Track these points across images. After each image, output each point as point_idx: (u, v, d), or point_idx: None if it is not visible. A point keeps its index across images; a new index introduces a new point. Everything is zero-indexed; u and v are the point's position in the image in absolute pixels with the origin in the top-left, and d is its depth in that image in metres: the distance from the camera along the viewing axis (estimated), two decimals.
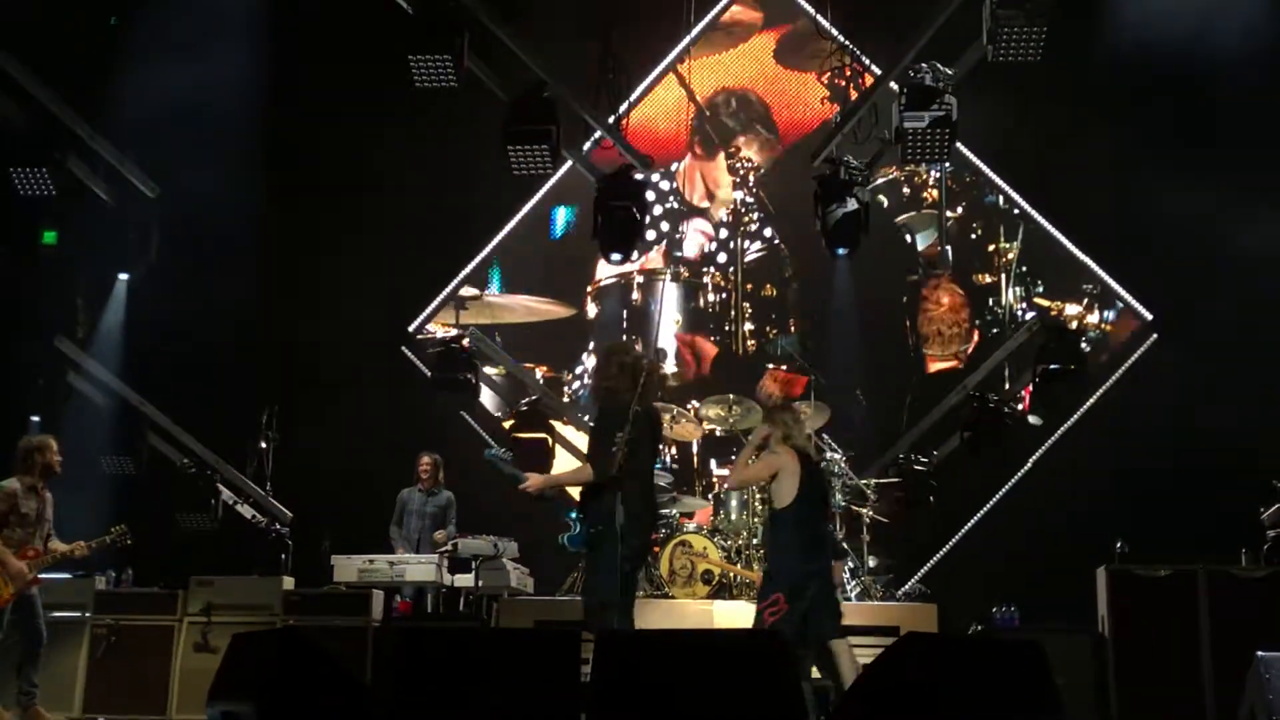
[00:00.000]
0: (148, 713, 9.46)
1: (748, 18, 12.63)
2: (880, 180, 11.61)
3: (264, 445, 11.04)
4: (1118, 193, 12.43)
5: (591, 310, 12.12)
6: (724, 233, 10.75)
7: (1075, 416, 12.81)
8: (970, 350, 10.94)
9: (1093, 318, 11.34)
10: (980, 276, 11.77)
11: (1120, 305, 11.65)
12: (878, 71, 10.81)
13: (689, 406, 11.67)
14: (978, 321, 11.30)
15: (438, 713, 5.60)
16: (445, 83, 10.14)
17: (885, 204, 11.52)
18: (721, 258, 10.75)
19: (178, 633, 9.74)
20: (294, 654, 5.69)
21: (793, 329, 10.89)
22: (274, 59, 12.34)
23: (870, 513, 11.11)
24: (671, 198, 11.46)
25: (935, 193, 11.45)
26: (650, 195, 11.27)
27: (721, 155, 11.60)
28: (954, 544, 13.01)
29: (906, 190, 11.74)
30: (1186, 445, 11.75)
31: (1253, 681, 6.88)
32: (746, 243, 10.71)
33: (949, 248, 11.92)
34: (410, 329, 13.90)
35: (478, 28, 10.47)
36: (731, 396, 11.57)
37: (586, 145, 11.81)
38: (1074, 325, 11.26)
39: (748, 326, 10.49)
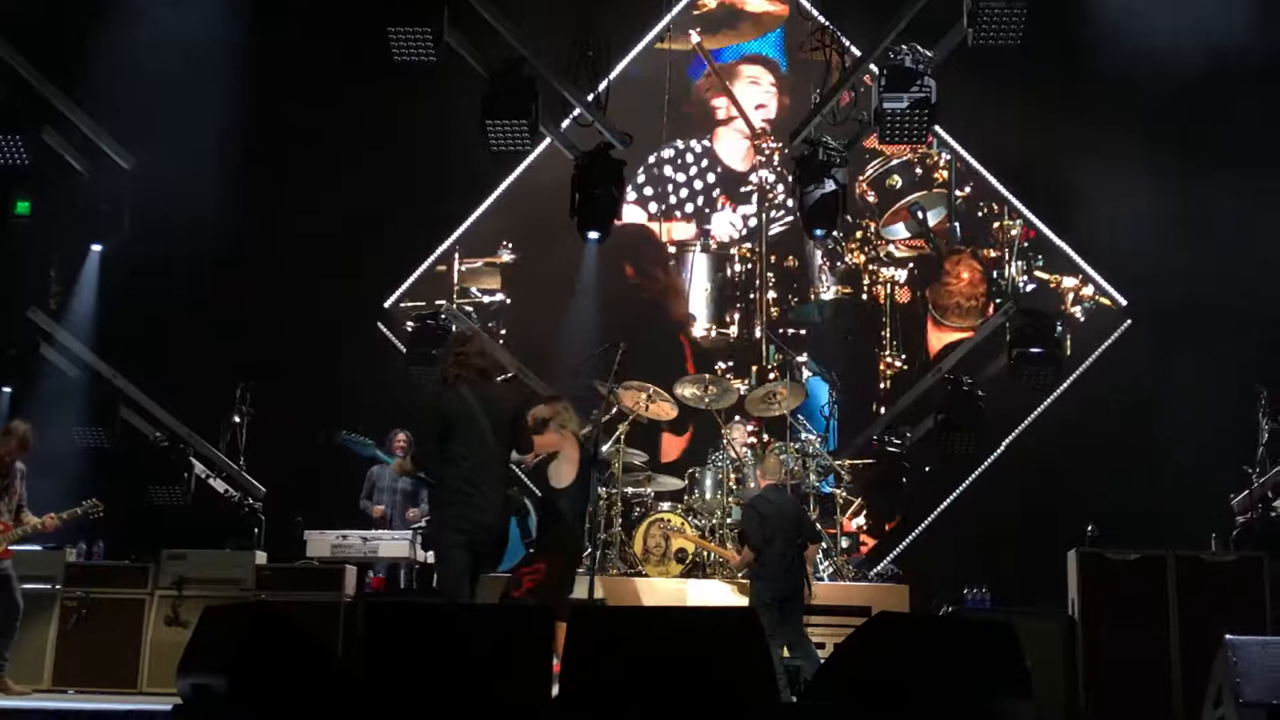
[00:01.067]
0: (118, 686, 9.41)
1: (775, 9, 12.78)
2: (895, 161, 12.14)
3: (238, 419, 10.99)
4: (1096, 179, 12.46)
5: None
6: (752, 206, 11.43)
7: (1049, 400, 12.87)
8: (983, 322, 11.62)
9: (1087, 289, 11.96)
10: (985, 251, 12.40)
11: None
12: (858, 53, 10.80)
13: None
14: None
15: (410, 688, 5.60)
16: (424, 57, 10.08)
17: (899, 184, 12.01)
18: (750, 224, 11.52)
19: (149, 606, 9.70)
20: (265, 628, 5.67)
21: (812, 297, 11.54)
22: (253, 32, 12.24)
23: (844, 494, 11.15)
24: (706, 160, 11.96)
25: (945, 173, 11.97)
26: (690, 157, 11.73)
27: (748, 129, 12.11)
28: (927, 525, 13.07)
29: (919, 171, 12.30)
30: (1159, 431, 11.82)
31: (1220, 665, 6.93)
32: (771, 214, 11.39)
33: (958, 224, 12.48)
34: (386, 305, 13.86)
35: (458, 1, 10.40)
36: (707, 376, 11.58)
37: (565, 122, 11.77)
38: (1070, 297, 11.85)
39: (771, 295, 11.23)
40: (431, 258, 13.98)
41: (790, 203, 11.29)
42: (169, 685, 7.07)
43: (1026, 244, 11.91)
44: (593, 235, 11.18)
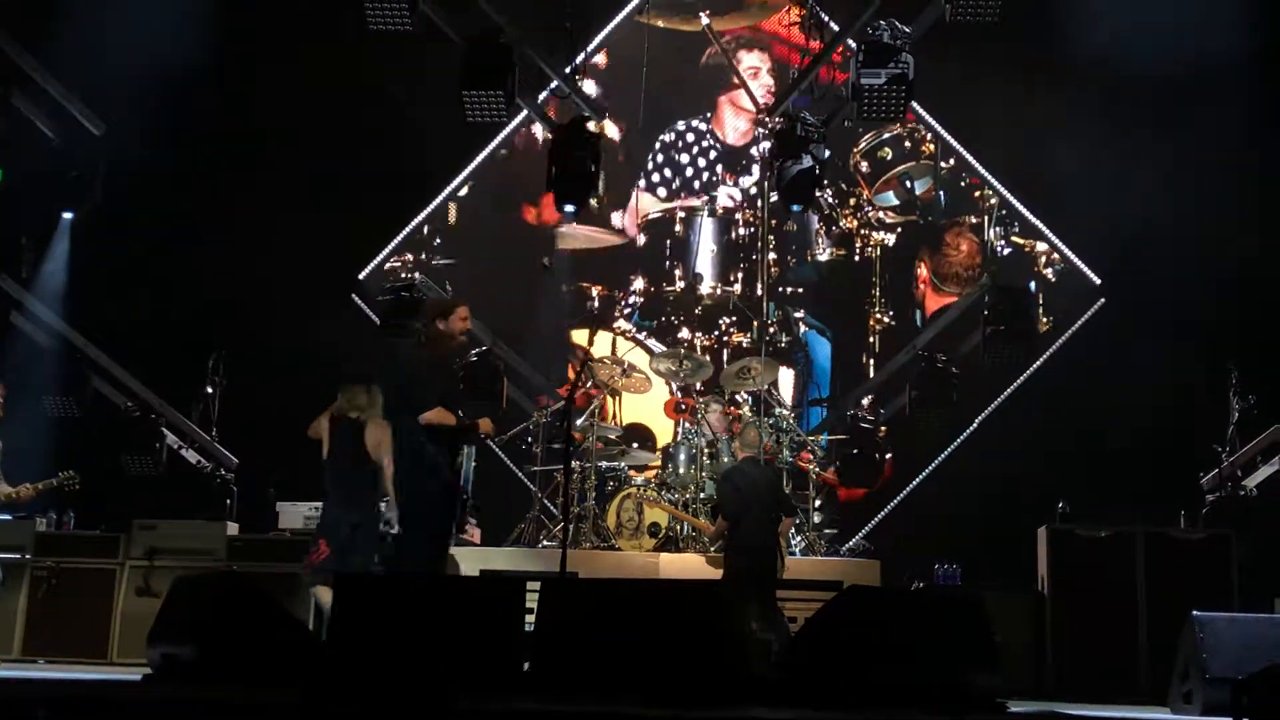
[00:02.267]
0: (89, 656, 9.38)
1: None
2: (886, 135, 12.82)
3: (210, 390, 10.92)
4: (1073, 161, 12.48)
5: (641, 240, 13.32)
6: (752, 175, 12.35)
7: (1022, 378, 12.93)
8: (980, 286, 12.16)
9: (1059, 253, 12.61)
10: (966, 218, 13.12)
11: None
12: (836, 28, 10.80)
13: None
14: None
15: (382, 659, 5.60)
16: (400, 26, 10.01)
17: (889, 156, 12.71)
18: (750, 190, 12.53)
19: (119, 576, 9.66)
20: (235, 597, 5.67)
21: (809, 259, 12.46)
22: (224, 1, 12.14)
23: (816, 469, 11.18)
24: (709, 137, 12.86)
25: (932, 146, 12.64)
26: (691, 139, 12.74)
27: (753, 106, 12.75)
28: (899, 501, 13.13)
29: (908, 144, 12.92)
30: (1131, 409, 11.88)
31: (1187, 641, 7.00)
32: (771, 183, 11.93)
33: (942, 193, 13.16)
34: (361, 276, 13.79)
35: None
36: (682, 351, 11.59)
37: (542, 95, 11.71)
38: (1043, 260, 12.54)
39: (771, 256, 12.06)
40: (407, 229, 13.93)
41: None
42: (140, 655, 7.05)
43: (1004, 211, 12.59)
44: (569, 209, 11.19)
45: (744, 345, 12.04)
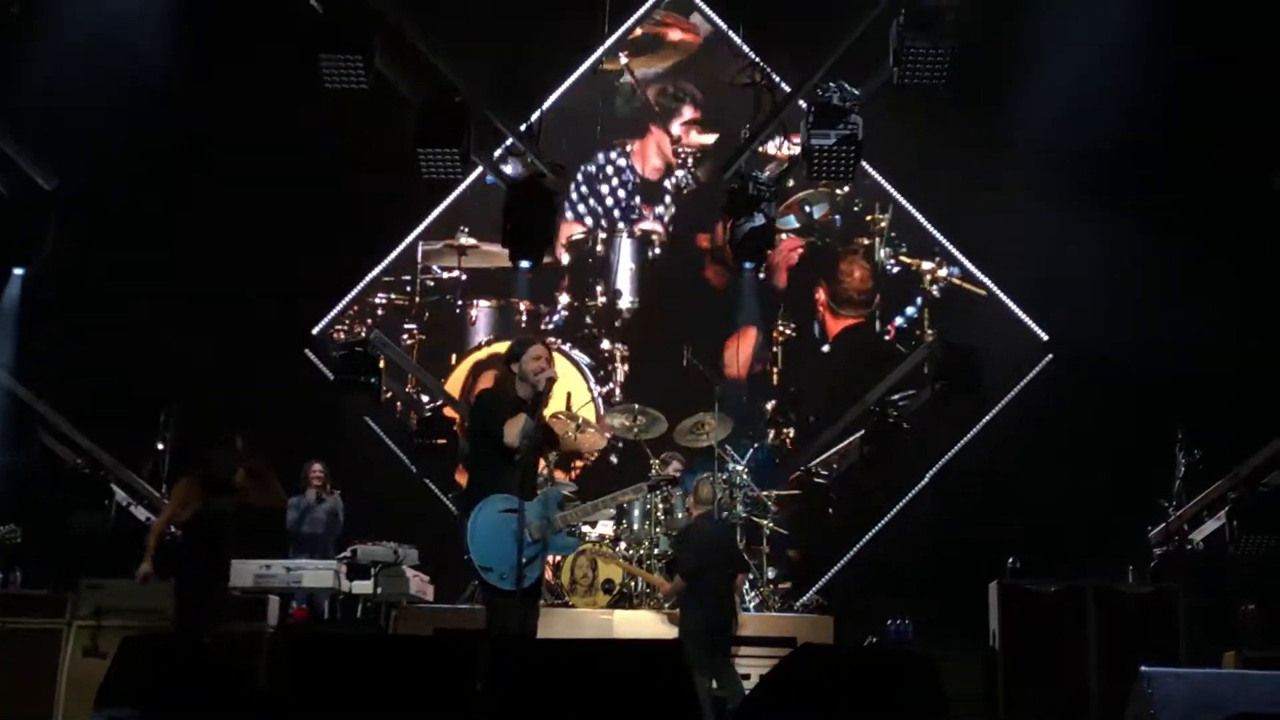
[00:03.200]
0: (34, 718, 9.21)
1: (689, 39, 14.04)
2: (789, 165, 13.16)
3: (160, 446, 10.84)
4: (1018, 217, 12.68)
5: (565, 258, 13.85)
6: (668, 199, 13.37)
7: (971, 433, 13.07)
8: (875, 307, 13.30)
9: (942, 271, 13.25)
10: (859, 239, 13.83)
11: (959, 269, 13.42)
12: (787, 89, 10.97)
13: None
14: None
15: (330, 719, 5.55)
16: (355, 84, 10.07)
17: (791, 183, 13.27)
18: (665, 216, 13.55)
19: (66, 636, 9.49)
20: (184, 660, 5.61)
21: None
22: (180, 53, 12.13)
23: (770, 524, 11.21)
24: (628, 172, 13.67)
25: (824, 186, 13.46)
26: (610, 171, 13.59)
27: (668, 140, 13.75)
28: (851, 556, 13.18)
29: (805, 171, 13.01)
30: (1078, 464, 12.03)
31: (1137, 695, 7.05)
32: (684, 210, 13.32)
33: (838, 216, 13.95)
34: (314, 331, 13.77)
35: (390, 30, 10.40)
36: (636, 406, 11.62)
37: (498, 151, 11.80)
38: (928, 278, 13.29)
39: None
40: (359, 286, 13.94)
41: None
42: (86, 717, 6.94)
43: (894, 234, 13.33)
44: (524, 264, 11.28)
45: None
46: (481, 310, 13.00)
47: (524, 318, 12.98)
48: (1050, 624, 9.17)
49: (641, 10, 14.20)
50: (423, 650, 6.37)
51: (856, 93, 9.93)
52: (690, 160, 13.40)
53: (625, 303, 12.88)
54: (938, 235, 13.66)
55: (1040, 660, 9.07)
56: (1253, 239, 11.40)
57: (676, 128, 13.95)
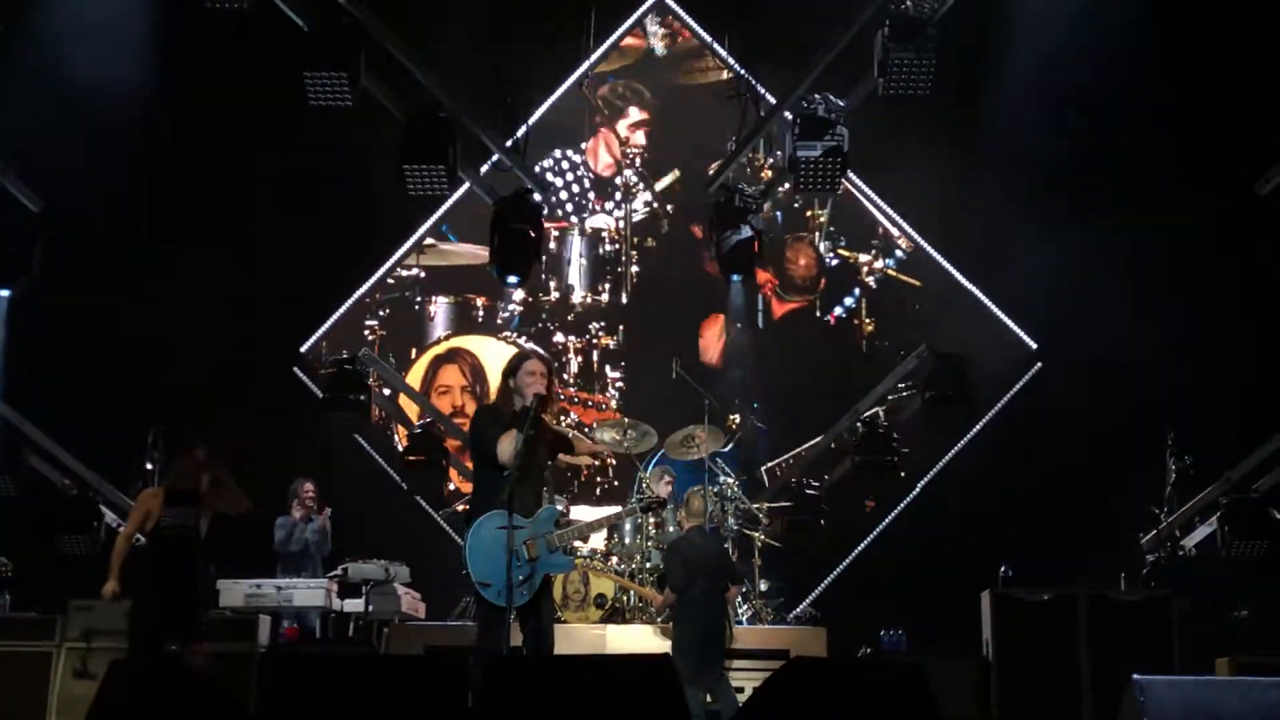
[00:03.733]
0: None
1: (637, 43, 14.34)
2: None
3: (150, 466, 10.79)
4: (1004, 223, 12.72)
5: None
6: (617, 196, 13.74)
7: (962, 443, 13.08)
8: (820, 290, 13.71)
9: (878, 264, 13.60)
10: (801, 234, 14.16)
11: (903, 255, 13.70)
12: (772, 100, 10.98)
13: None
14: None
15: None
16: (340, 101, 10.05)
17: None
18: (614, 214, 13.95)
19: (56, 659, 9.46)
20: (173, 682, 5.59)
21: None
22: (163, 73, 12.13)
23: (762, 536, 11.20)
24: (581, 168, 13.90)
25: (769, 172, 13.40)
26: (565, 165, 13.87)
27: (615, 140, 14.02)
28: (844, 567, 13.18)
29: (749, 170, 13.61)
30: (1069, 472, 12.04)
31: (1128, 704, 7.04)
32: (633, 206, 13.59)
33: (779, 213, 14.07)
34: (303, 349, 13.75)
35: (374, 46, 10.39)
36: (626, 420, 11.62)
37: (484, 167, 11.80)
38: (864, 270, 13.65)
39: (634, 269, 13.47)
40: (348, 303, 13.92)
41: (648, 196, 13.66)
42: None
43: (833, 228, 13.71)
44: (512, 279, 11.28)
45: (610, 347, 13.35)
46: (440, 306, 13.35)
47: (480, 313, 13.33)
48: (1043, 632, 9.17)
49: (627, 24, 14.26)
50: (415, 668, 6.36)
51: (842, 104, 9.94)
52: (638, 160, 13.76)
53: (577, 297, 13.35)
54: (925, 244, 13.70)
55: (1033, 668, 9.06)
56: (1242, 243, 11.44)
57: (623, 128, 14.24)
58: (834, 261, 13.61)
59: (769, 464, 13.16)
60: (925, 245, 13.71)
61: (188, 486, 8.91)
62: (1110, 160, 12.33)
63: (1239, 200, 10.94)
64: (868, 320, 13.38)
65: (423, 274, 13.54)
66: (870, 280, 13.53)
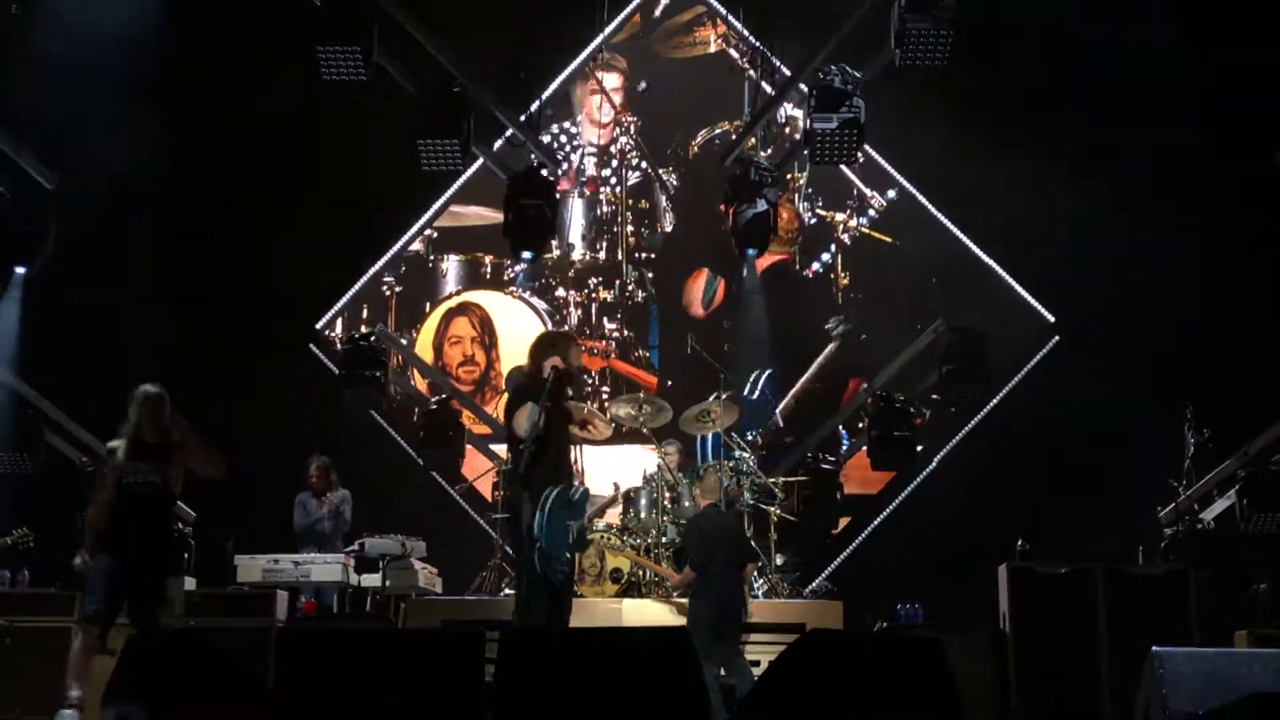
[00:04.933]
0: (43, 716, 9.20)
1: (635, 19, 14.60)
2: (719, 131, 14.22)
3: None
4: (1021, 198, 12.63)
5: None
6: (614, 163, 14.40)
7: (979, 416, 13.02)
8: (798, 245, 14.10)
9: (853, 222, 13.95)
10: (780, 194, 13.72)
11: (875, 214, 13.98)
12: (787, 72, 10.93)
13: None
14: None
15: (342, 715, 5.54)
16: (354, 76, 10.05)
17: (718, 143, 14.05)
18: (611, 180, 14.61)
19: (75, 634, 9.48)
20: (189, 656, 5.60)
21: (658, 229, 14.39)
22: (179, 50, 12.12)
23: (778, 511, 11.18)
24: (579, 137, 14.50)
25: (753, 140, 13.02)
26: (565, 139, 14.39)
27: (611, 109, 14.52)
28: (861, 542, 13.16)
29: (733, 136, 13.71)
30: (1087, 445, 11.99)
31: (1148, 677, 7.02)
32: (628, 171, 14.27)
33: None
34: (318, 325, 13.76)
35: (388, 21, 10.36)
36: (641, 395, 11.60)
37: (498, 142, 11.77)
38: (840, 228, 13.92)
39: (629, 229, 14.18)
40: (363, 279, 13.93)
41: (644, 164, 14.22)
42: (95, 714, 6.94)
43: (810, 189, 14.05)
44: (526, 255, 11.29)
45: (608, 300, 14.09)
46: (451, 263, 14.13)
47: (488, 270, 14.10)
48: (1060, 606, 9.12)
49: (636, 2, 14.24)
50: (431, 643, 6.36)
51: (858, 75, 9.88)
52: (633, 129, 14.35)
53: (577, 255, 14.19)
54: (940, 217, 13.63)
55: (1051, 642, 9.02)
56: (1264, 216, 11.34)
57: (615, 94, 14.67)
58: (812, 220, 14.09)
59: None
60: (942, 218, 13.62)
61: (156, 439, 8.27)
62: (1129, 130, 12.22)
63: (1263, 172, 10.84)
64: (843, 274, 13.92)
65: (435, 234, 14.23)
66: (845, 237, 14.00)
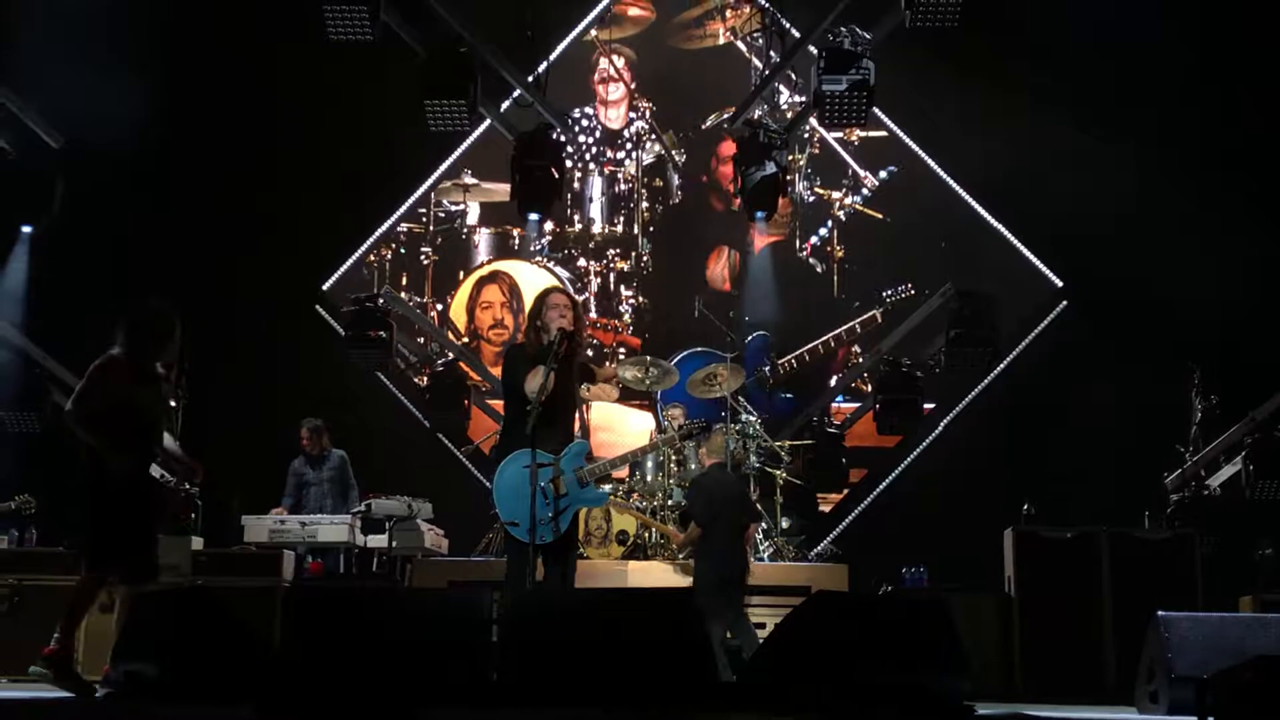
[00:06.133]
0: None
1: (645, 14, 15.03)
2: (725, 116, 14.19)
3: (174, 403, 10.80)
4: (1028, 161, 12.57)
5: None
6: (629, 145, 15.00)
7: (986, 380, 13.00)
8: (794, 225, 14.46)
9: (848, 200, 14.32)
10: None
11: (869, 193, 14.27)
12: (796, 34, 10.85)
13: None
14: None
15: (348, 674, 5.56)
16: (361, 35, 9.98)
17: (726, 125, 14.08)
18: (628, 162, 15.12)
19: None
20: (195, 615, 5.62)
21: (671, 204, 14.93)
22: (184, 8, 12.05)
23: (784, 474, 11.19)
24: (594, 121, 15.01)
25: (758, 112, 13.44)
26: (584, 124, 14.85)
27: (627, 94, 15.04)
28: (866, 505, 13.17)
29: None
30: (1094, 410, 11.96)
31: (1152, 640, 7.04)
32: (642, 152, 14.91)
33: None
34: (325, 286, 13.75)
35: None
36: (648, 359, 11.58)
37: (505, 104, 11.71)
38: (836, 205, 14.23)
39: (644, 205, 14.83)
40: (370, 240, 13.93)
41: (657, 147, 14.72)
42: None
43: (810, 170, 14.43)
44: (533, 216, 11.27)
45: (625, 270, 14.69)
46: (483, 235, 14.85)
47: (516, 241, 14.72)
48: (1066, 570, 9.14)
49: None
50: (438, 603, 6.38)
51: (868, 37, 9.80)
52: (647, 113, 14.89)
53: (596, 228, 14.88)
54: (951, 182, 13.57)
55: (1056, 606, 9.05)
56: (1274, 179, 11.26)
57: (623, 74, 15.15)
58: (810, 199, 14.45)
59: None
60: (950, 180, 13.58)
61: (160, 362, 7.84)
62: (1140, 90, 12.13)
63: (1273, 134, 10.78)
64: (838, 248, 14.28)
65: (467, 208, 14.86)
66: (840, 214, 14.35)
